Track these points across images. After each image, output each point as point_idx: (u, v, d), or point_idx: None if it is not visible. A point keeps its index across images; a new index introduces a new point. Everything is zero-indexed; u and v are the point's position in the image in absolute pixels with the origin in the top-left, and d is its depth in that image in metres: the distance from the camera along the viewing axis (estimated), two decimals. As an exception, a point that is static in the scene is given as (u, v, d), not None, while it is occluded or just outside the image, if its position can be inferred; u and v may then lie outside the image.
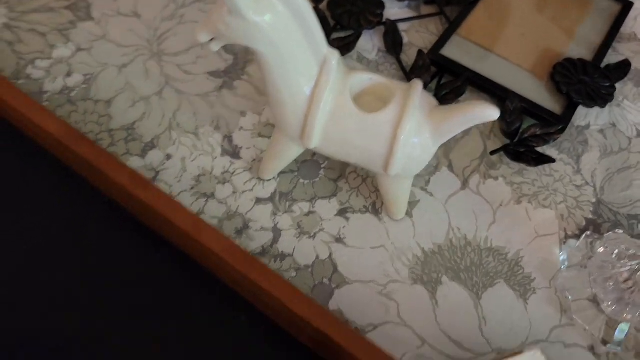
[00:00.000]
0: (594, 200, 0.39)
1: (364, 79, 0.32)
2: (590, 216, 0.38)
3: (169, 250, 0.34)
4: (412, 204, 0.38)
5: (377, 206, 0.37)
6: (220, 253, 0.29)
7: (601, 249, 0.36)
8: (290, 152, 0.35)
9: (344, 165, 0.39)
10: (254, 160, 0.39)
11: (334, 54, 0.31)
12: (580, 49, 0.45)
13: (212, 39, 0.30)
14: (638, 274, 0.34)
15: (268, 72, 0.30)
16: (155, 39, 0.44)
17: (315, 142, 0.32)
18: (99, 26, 0.44)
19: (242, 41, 0.29)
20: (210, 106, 0.41)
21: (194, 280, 0.33)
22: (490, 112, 0.29)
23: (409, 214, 0.37)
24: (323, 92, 0.31)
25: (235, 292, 0.32)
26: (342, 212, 0.37)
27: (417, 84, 0.31)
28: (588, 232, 0.37)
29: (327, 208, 0.37)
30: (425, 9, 0.48)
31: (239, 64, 0.43)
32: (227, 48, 0.44)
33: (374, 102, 0.32)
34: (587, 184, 0.40)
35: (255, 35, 0.28)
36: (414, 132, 0.31)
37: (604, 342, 0.34)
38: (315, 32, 0.30)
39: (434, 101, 0.32)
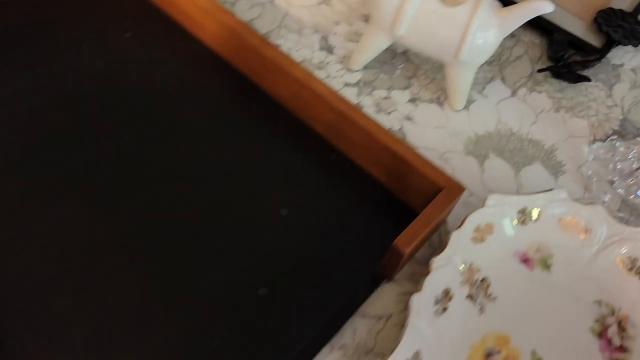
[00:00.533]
0: (620, 117, 0.47)
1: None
2: (617, 128, 0.47)
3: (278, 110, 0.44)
4: (469, 102, 0.46)
5: (441, 99, 0.46)
6: (327, 96, 0.38)
7: (622, 148, 0.44)
8: (379, 44, 0.45)
9: (417, 67, 0.48)
10: (344, 56, 0.48)
11: (427, -42, 0.40)
12: (621, 3, 0.53)
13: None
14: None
15: None
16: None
17: (403, 30, 0.42)
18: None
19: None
20: (312, 15, 0.51)
21: (294, 132, 0.42)
22: (545, 6, 0.38)
23: (466, 107, 0.46)
24: (415, -14, 0.40)
25: (327, 139, 0.41)
26: (412, 100, 0.46)
27: (488, -10, 0.41)
28: (613, 137, 0.45)
29: (400, 96, 0.46)
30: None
31: (335, -12, 0.53)
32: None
33: (449, 3, 0.42)
34: (616, 105, 0.48)
35: None
36: (483, 23, 0.40)
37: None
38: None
39: (499, 4, 0.41)
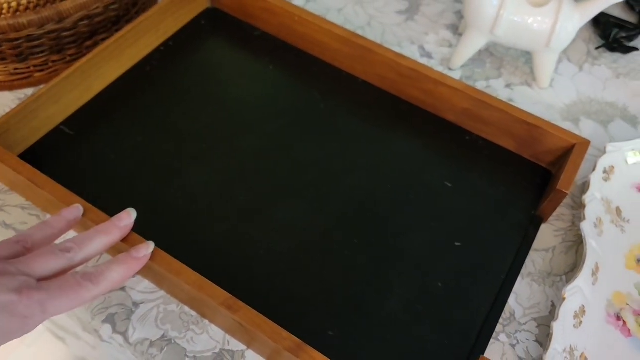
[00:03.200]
0: (666, 75, 0.59)
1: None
2: (666, 83, 0.59)
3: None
4: (552, 80, 0.57)
5: (529, 82, 0.57)
6: (464, 88, 0.49)
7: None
8: (477, 45, 0.55)
9: (501, 59, 0.59)
10: (442, 59, 0.59)
11: (516, -28, 0.51)
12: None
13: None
14: None
15: None
16: (353, -6, 0.64)
17: (501, 30, 0.52)
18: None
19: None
20: (404, 30, 0.61)
21: (431, 124, 0.52)
22: (617, -4, 0.49)
23: (551, 85, 0.57)
24: (511, -5, 0.51)
25: (459, 125, 0.52)
26: (508, 86, 0.57)
27: (564, -10, 0.52)
28: (667, 90, 0.57)
29: (497, 84, 0.57)
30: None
31: (413, 7, 0.64)
32: (402, -3, 0.64)
33: (534, 4, 0.53)
34: (659, 66, 0.60)
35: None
36: (567, 16, 0.51)
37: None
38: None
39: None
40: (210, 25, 0.58)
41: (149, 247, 0.37)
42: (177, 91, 0.52)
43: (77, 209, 0.39)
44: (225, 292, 0.36)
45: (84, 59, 0.48)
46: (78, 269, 0.35)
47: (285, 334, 0.35)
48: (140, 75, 0.53)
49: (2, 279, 0.31)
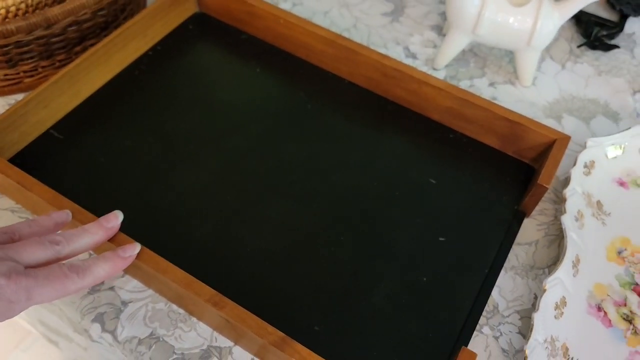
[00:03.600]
0: (647, 72, 0.60)
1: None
2: (647, 80, 0.60)
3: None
4: (534, 79, 0.58)
5: (512, 80, 0.58)
6: (447, 87, 0.49)
7: (658, 94, 0.57)
8: (460, 44, 0.56)
9: (484, 59, 0.60)
10: (427, 59, 0.59)
11: (496, -27, 0.52)
12: (621, -14, 0.67)
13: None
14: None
15: None
16: (339, -3, 0.65)
17: (483, 30, 0.53)
18: (301, -9, 0.66)
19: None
20: (389, 32, 0.62)
21: (416, 123, 0.53)
22: (594, -5, 0.50)
23: (533, 83, 0.58)
24: (492, -5, 0.52)
25: (443, 123, 0.52)
26: (491, 84, 0.58)
27: (544, -10, 0.53)
28: (648, 87, 0.58)
29: (481, 83, 0.58)
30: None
31: (398, 9, 0.65)
32: None
33: (514, 3, 0.54)
34: (640, 63, 0.61)
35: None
36: (547, 15, 0.52)
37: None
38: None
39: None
40: (198, 29, 0.59)
41: (135, 248, 0.38)
42: (166, 94, 0.53)
43: (66, 213, 0.39)
44: (211, 289, 0.37)
45: (73, 64, 0.49)
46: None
47: (270, 328, 0.36)
48: (128, 79, 0.54)
49: (4, 265, 0.31)
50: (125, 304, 0.41)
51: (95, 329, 0.40)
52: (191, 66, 0.56)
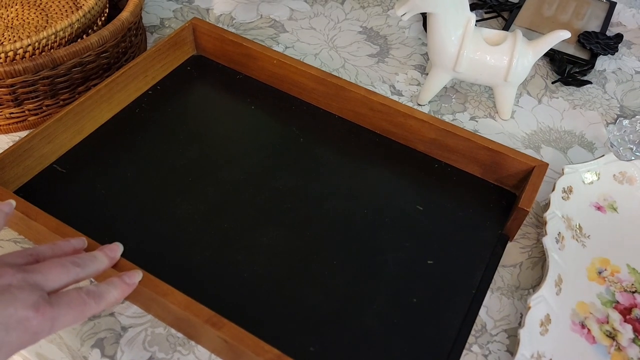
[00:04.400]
0: (618, 105, 0.64)
1: (486, 31, 0.58)
2: (619, 112, 0.63)
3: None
4: (513, 112, 0.62)
5: (492, 114, 0.62)
6: (430, 120, 0.53)
7: (629, 125, 0.60)
8: (442, 81, 0.60)
9: (465, 95, 0.63)
10: (412, 96, 0.63)
11: (473, 16, 0.56)
12: (592, 26, 0.72)
13: (404, 13, 0.55)
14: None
15: (436, 24, 0.55)
16: (329, 39, 0.69)
17: (463, 67, 0.57)
18: (293, 35, 0.70)
19: (426, 8, 0.54)
20: (375, 72, 0.66)
21: (402, 154, 0.56)
22: (564, 34, 0.54)
23: (512, 117, 0.61)
24: (469, 35, 0.56)
25: (428, 154, 0.55)
26: (472, 118, 0.61)
27: (519, 31, 0.57)
28: (620, 118, 0.61)
29: (463, 117, 0.61)
30: (487, 15, 0.75)
31: (383, 50, 0.69)
32: (372, 40, 0.69)
33: (491, 42, 0.58)
34: (612, 97, 0.65)
35: (436, 3, 0.53)
36: (522, 52, 0.55)
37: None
38: (464, 2, 0.55)
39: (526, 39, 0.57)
40: (195, 70, 0.63)
41: (138, 275, 0.40)
42: (165, 131, 0.56)
43: (82, 240, 0.41)
44: (210, 310, 0.38)
45: (76, 102, 0.51)
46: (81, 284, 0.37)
47: (267, 347, 0.37)
48: (130, 116, 0.57)
49: (22, 292, 0.32)
50: (125, 329, 0.42)
51: (95, 354, 0.41)
52: (189, 104, 0.59)
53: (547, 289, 0.43)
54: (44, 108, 0.54)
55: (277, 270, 0.46)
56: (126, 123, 0.56)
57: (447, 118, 0.61)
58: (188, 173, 0.52)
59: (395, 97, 0.63)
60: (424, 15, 0.73)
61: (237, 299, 0.44)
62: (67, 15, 0.59)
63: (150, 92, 0.59)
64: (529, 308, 0.41)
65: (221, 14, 0.72)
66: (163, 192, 0.51)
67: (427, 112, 0.61)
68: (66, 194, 0.50)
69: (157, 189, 0.51)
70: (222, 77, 0.62)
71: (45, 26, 0.57)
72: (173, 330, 0.42)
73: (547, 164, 0.50)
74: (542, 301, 0.42)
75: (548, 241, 0.46)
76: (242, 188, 0.52)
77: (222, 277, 0.45)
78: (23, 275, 0.33)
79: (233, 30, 0.69)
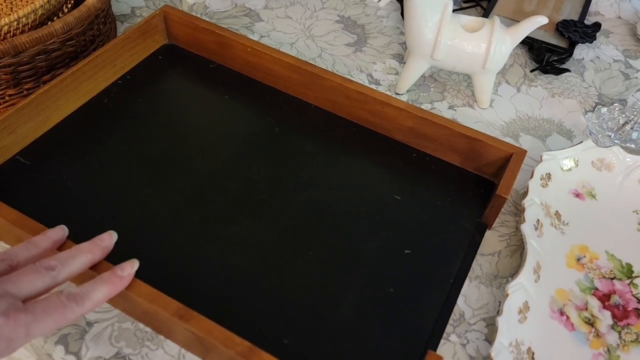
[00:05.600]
0: (596, 93, 0.64)
1: (464, 17, 0.57)
2: (597, 100, 0.63)
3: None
4: (492, 101, 0.61)
5: (470, 103, 0.61)
6: (408, 108, 0.51)
7: (607, 113, 0.60)
8: (420, 70, 0.59)
9: (444, 84, 0.62)
10: (390, 85, 0.62)
11: (450, 1, 0.55)
12: (570, 14, 0.71)
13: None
14: (626, 122, 0.58)
15: (413, 9, 0.54)
16: (306, 28, 0.68)
17: (440, 54, 0.56)
18: (268, 24, 0.68)
19: (403, -5, 0.53)
20: (352, 61, 0.65)
21: (380, 144, 0.55)
22: (541, 19, 0.54)
23: (491, 105, 0.61)
24: (447, 21, 0.55)
25: (406, 143, 0.54)
26: (451, 107, 0.60)
27: (496, 18, 0.56)
28: (599, 106, 0.61)
29: (441, 106, 0.60)
30: (465, 5, 0.75)
31: (361, 39, 0.68)
32: (350, 29, 0.68)
33: (469, 29, 0.57)
34: (590, 86, 0.65)
35: (413, -10, 0.53)
36: (500, 39, 0.55)
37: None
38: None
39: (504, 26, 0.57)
40: (167, 59, 0.61)
41: (134, 265, 0.38)
42: (135, 121, 0.54)
43: (62, 229, 0.39)
44: (178, 302, 0.37)
45: (40, 90, 0.49)
46: (62, 287, 0.35)
47: (237, 339, 0.36)
48: (98, 107, 0.55)
49: (2, 302, 0.31)
50: (90, 324, 0.40)
51: (59, 351, 0.39)
52: (161, 94, 0.57)
53: (525, 276, 0.42)
54: (7, 98, 0.52)
55: (251, 262, 0.45)
56: (94, 113, 0.54)
57: (426, 107, 0.60)
58: (159, 164, 0.51)
59: (373, 87, 0.62)
60: (402, 4, 0.72)
61: (208, 291, 0.42)
62: (31, 1, 0.56)
63: (119, 81, 0.57)
64: (507, 295, 0.40)
65: (194, 3, 0.70)
66: (133, 183, 0.49)
67: (405, 100, 0.60)
68: (30, 187, 0.48)
69: (126, 181, 0.49)
70: (195, 66, 0.61)
71: (9, 13, 0.55)
72: (141, 325, 0.41)
73: (526, 151, 0.49)
74: (520, 288, 0.41)
75: (526, 228, 0.45)
76: (215, 179, 0.50)
77: (193, 270, 0.44)
78: None
79: (207, 19, 0.67)
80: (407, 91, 0.62)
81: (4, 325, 0.30)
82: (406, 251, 0.46)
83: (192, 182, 0.50)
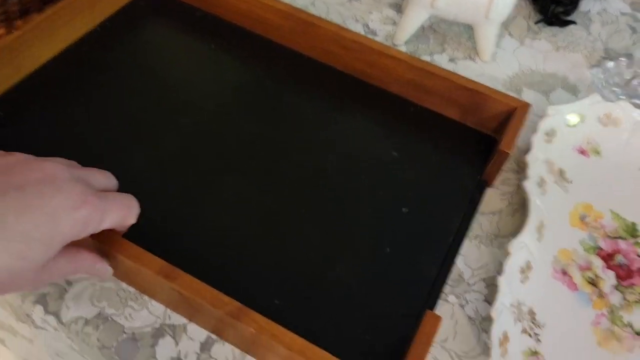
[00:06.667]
0: (602, 47, 0.61)
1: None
2: (603, 55, 0.60)
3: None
4: (494, 54, 0.58)
5: (472, 56, 0.58)
6: (407, 58, 0.48)
7: (613, 67, 0.57)
8: (419, 19, 0.55)
9: (444, 36, 0.59)
10: (387, 35, 0.59)
11: (453, -56, 0.52)
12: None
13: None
14: (633, 77, 0.55)
15: None
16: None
17: (441, 3, 0.53)
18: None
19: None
20: (348, 10, 0.61)
21: (375, 97, 0.52)
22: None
23: (493, 58, 0.58)
24: (449, -34, 0.51)
25: (404, 96, 0.51)
26: (452, 60, 0.57)
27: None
28: (605, 60, 0.58)
29: (441, 58, 0.57)
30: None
31: (357, -13, 0.64)
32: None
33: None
34: (596, 39, 0.62)
35: None
36: (504, -14, 0.51)
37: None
38: None
39: (511, -29, 0.53)
40: (150, 6, 0.57)
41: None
42: (115, 72, 0.51)
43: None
44: (162, 260, 0.35)
45: (12, 36, 0.46)
46: None
47: (226, 298, 0.34)
48: (75, 55, 0.51)
49: (68, 184, 0.31)
50: (70, 283, 0.38)
51: (38, 311, 0.37)
52: (143, 43, 0.53)
53: (528, 234, 0.40)
54: (-23, 44, 0.49)
55: (241, 222, 0.42)
56: (72, 63, 0.50)
57: (425, 59, 0.57)
58: (141, 119, 0.48)
59: (370, 36, 0.58)
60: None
61: (196, 251, 0.40)
62: (0, -60, 0.52)
63: (98, 29, 0.53)
64: (509, 254, 0.39)
65: (180, -53, 0.66)
66: (114, 139, 0.46)
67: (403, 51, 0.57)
68: (3, 140, 0.45)
69: (107, 136, 0.46)
70: (179, 13, 0.57)
71: (-24, -48, 0.51)
72: (124, 285, 0.38)
73: (530, 105, 0.46)
74: (522, 247, 0.39)
75: (529, 185, 0.43)
76: (201, 135, 0.47)
77: (179, 230, 0.41)
78: (69, 169, 0.32)
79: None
80: (405, 43, 0.58)
81: (81, 208, 0.30)
82: (404, 210, 0.44)
83: (178, 138, 0.47)
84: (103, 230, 0.34)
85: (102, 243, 0.35)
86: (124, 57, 0.52)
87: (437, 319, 0.34)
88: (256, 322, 0.33)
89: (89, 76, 0.50)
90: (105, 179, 0.36)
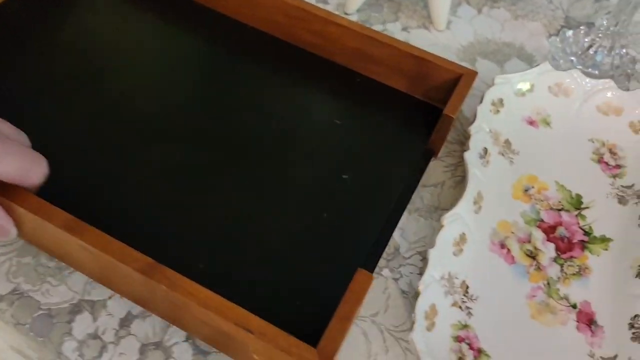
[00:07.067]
0: (563, 16, 0.59)
1: None
2: (563, 24, 0.58)
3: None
4: (448, 23, 0.56)
5: (426, 24, 0.56)
6: (352, 26, 0.47)
7: (572, 36, 0.56)
8: (370, -14, 0.54)
9: (399, 4, 0.57)
10: (338, 3, 0.57)
11: None
12: None
13: None
14: (592, 44, 0.54)
15: None
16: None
17: (391, -32, 0.51)
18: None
19: None
20: (300, -23, 0.59)
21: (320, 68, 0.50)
22: None
23: (448, 27, 0.56)
24: None
25: (349, 67, 0.50)
26: (404, 29, 0.55)
27: None
28: (564, 29, 0.56)
29: (394, 27, 0.55)
30: None
31: (311, -46, 0.61)
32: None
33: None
34: (557, 8, 0.60)
35: None
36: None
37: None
38: None
39: None
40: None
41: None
42: (39, 36, 0.48)
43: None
44: (67, 213, 0.33)
45: None
46: None
47: (137, 254, 0.31)
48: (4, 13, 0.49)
49: None
50: (-15, 259, 0.37)
51: (-50, 288, 0.36)
52: (70, 7, 0.51)
53: (463, 206, 0.39)
54: None
55: (170, 187, 0.41)
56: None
57: (377, 28, 0.55)
58: (65, 83, 0.45)
59: (320, 5, 0.56)
60: None
61: (118, 214, 0.38)
62: None
63: (33, -5, 0.51)
64: (442, 227, 0.37)
65: None
66: (37, 104, 0.44)
67: (354, 20, 0.55)
68: None
69: (30, 102, 0.44)
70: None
71: None
72: (43, 260, 0.37)
73: (476, 72, 0.45)
74: (457, 219, 0.38)
75: (470, 156, 0.41)
76: (132, 101, 0.45)
77: (102, 194, 0.40)
78: None
79: None
80: (357, 11, 0.56)
81: None
82: (344, 176, 0.43)
83: (105, 104, 0.45)
84: (4, 183, 0.33)
85: (1, 196, 0.33)
86: (48, 21, 0.50)
87: (368, 277, 0.33)
88: (168, 279, 0.31)
89: (10, 39, 0.48)
90: (14, 131, 0.34)
